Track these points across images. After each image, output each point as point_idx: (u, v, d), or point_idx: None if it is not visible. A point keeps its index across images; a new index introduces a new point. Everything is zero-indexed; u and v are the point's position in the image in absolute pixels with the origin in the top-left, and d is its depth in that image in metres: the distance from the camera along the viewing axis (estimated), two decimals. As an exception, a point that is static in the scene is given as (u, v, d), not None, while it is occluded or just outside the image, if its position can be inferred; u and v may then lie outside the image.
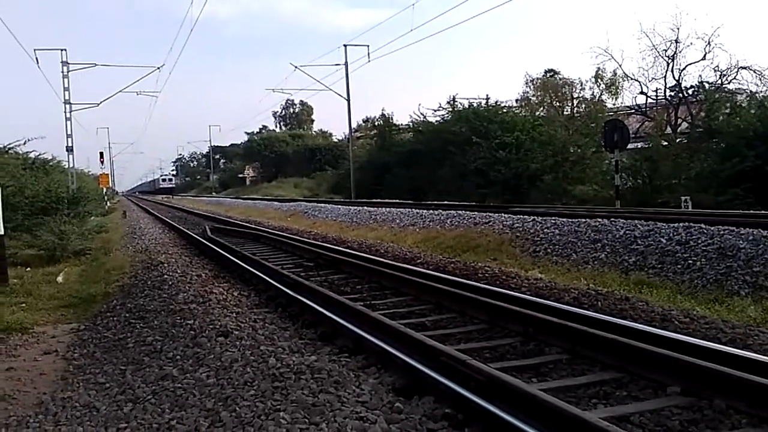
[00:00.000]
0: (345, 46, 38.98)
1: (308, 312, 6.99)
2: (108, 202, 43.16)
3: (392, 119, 43.90)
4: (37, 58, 30.90)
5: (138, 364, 6.00)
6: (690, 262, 9.09)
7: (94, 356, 6.67)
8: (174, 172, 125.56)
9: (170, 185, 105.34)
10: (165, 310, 7.98)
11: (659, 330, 5.41)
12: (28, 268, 13.40)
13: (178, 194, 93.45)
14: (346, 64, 38.93)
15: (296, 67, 39.80)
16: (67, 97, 33.50)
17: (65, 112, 33.32)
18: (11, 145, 20.28)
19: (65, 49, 32.84)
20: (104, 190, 42.74)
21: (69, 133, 33.08)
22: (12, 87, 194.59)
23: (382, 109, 48.64)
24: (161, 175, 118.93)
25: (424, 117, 37.58)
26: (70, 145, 33.01)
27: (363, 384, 4.55)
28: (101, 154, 47.31)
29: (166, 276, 10.56)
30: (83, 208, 22.79)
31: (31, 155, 22.39)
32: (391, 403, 4.15)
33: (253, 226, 20.86)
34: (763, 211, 14.81)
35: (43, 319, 8.77)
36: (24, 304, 9.68)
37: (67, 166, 31.99)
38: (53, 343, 7.45)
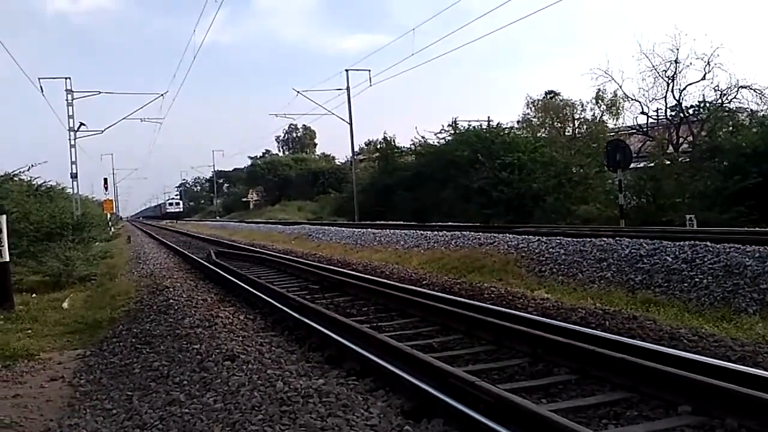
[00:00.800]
0: (347, 70, 39.24)
1: (315, 335, 6.97)
2: (112, 228, 43.21)
3: (394, 142, 44.10)
4: (41, 87, 31.15)
5: (145, 389, 5.97)
6: (697, 280, 9.06)
7: (101, 382, 6.64)
8: (177, 197, 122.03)
9: (177, 209, 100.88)
10: (171, 335, 7.95)
11: (668, 349, 5.39)
12: (34, 295, 13.39)
13: (182, 219, 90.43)
14: (348, 88, 39.16)
15: (298, 92, 40.13)
16: (71, 125, 33.68)
17: (70, 139, 33.47)
18: (16, 172, 20.38)
19: (69, 78, 33.07)
20: (108, 215, 42.80)
21: (73, 159, 33.23)
22: (17, 115, 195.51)
23: (384, 132, 48.81)
24: (168, 199, 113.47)
25: (424, 139, 37.84)
26: (74, 171, 33.14)
27: (371, 407, 4.53)
28: (105, 180, 47.44)
29: (171, 300, 10.54)
30: (88, 234, 22.83)
31: (36, 182, 22.47)
32: (401, 426, 4.13)
33: (257, 249, 20.88)
34: (768, 229, 14.79)
35: (49, 346, 8.74)
36: (30, 331, 9.66)
37: (71, 193, 32.10)
38: (59, 370, 7.42)
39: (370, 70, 37.43)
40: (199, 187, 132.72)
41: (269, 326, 8.11)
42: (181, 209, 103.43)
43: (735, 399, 3.93)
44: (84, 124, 33.00)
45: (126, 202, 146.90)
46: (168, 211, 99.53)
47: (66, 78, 32.99)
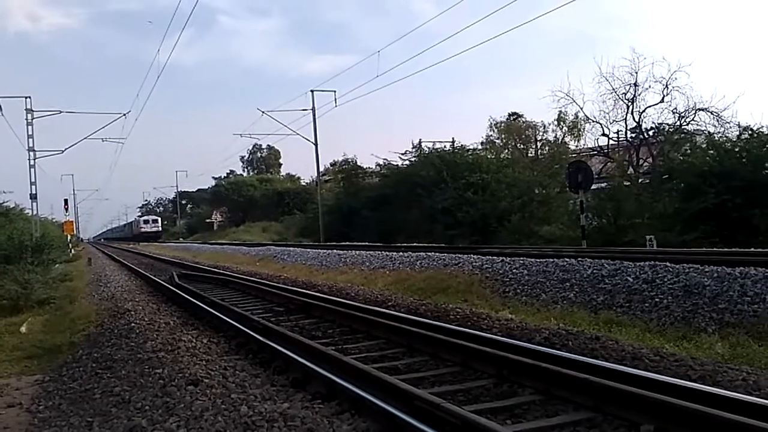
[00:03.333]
0: (312, 91, 39.42)
1: (279, 358, 6.92)
2: (72, 250, 42.41)
3: (357, 163, 44.34)
4: (0, 106, 30.59)
5: (105, 415, 5.85)
6: (657, 300, 9.22)
7: (60, 408, 6.49)
8: (145, 214, 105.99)
9: (155, 228, 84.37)
10: (133, 359, 7.82)
11: (630, 368, 5.47)
12: (-10, 319, 13.08)
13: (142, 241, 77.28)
14: (313, 108, 39.30)
15: (263, 112, 40.05)
16: (31, 145, 33.08)
17: (29, 159, 32.84)
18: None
19: (29, 97, 32.51)
20: (68, 237, 42.02)
21: (33, 180, 32.60)
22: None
23: (344, 154, 49.10)
24: (142, 216, 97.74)
25: (388, 161, 38.06)
26: (34, 192, 32.50)
27: (337, 430, 4.51)
28: (65, 201, 46.58)
29: (133, 324, 10.38)
30: (47, 256, 22.40)
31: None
32: (367, 450, 4.11)
33: (221, 271, 20.68)
34: (726, 249, 15.11)
35: (6, 371, 8.55)
36: (-14, 356, 9.43)
37: (30, 214, 31.48)
38: (17, 396, 7.25)
39: (335, 91, 37.71)
40: (161, 208, 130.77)
41: (233, 349, 8.02)
42: (160, 228, 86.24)
43: (696, 418, 4.00)
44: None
45: (87, 223, 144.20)
46: (143, 230, 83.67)
47: (26, 97, 32.48)
